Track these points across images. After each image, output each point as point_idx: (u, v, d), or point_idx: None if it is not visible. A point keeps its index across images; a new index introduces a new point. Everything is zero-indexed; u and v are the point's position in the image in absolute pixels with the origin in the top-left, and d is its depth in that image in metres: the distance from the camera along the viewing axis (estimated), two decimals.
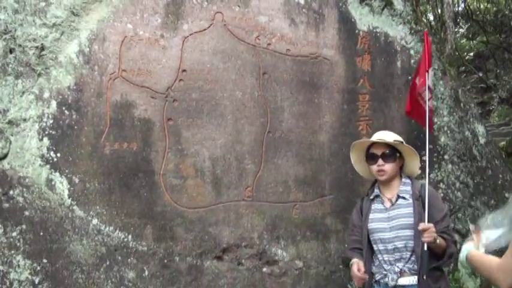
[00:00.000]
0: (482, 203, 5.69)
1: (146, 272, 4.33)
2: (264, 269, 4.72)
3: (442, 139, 5.48)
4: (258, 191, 4.75)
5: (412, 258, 3.62)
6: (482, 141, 5.91)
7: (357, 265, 3.65)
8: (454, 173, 5.53)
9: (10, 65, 4.15)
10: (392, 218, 3.70)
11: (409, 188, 3.79)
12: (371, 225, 3.78)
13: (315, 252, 4.91)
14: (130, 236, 4.33)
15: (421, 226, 3.52)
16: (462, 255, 2.88)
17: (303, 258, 4.85)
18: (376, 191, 3.88)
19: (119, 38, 4.37)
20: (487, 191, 5.77)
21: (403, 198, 3.73)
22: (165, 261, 4.41)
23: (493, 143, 6.36)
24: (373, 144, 3.83)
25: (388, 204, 3.78)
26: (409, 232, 3.62)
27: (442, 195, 5.38)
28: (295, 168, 4.90)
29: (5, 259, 3.95)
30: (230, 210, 4.65)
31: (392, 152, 3.78)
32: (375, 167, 3.78)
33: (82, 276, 4.14)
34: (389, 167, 3.77)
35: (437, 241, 3.49)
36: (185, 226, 4.49)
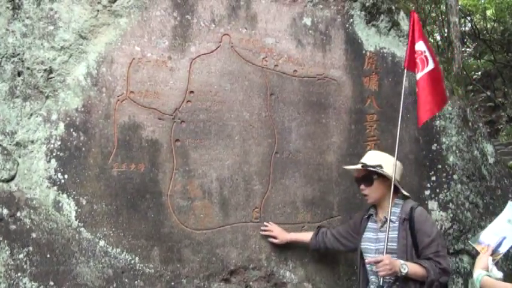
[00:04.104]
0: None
1: None
2: None
3: (451, 159, 5.44)
4: (266, 212, 4.73)
5: (397, 282, 3.54)
6: (491, 160, 5.87)
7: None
8: (464, 193, 5.48)
9: (18, 88, 4.17)
10: (379, 241, 3.65)
11: (398, 209, 3.69)
12: (362, 245, 3.78)
13: (324, 274, 4.85)
14: (137, 258, 4.30)
15: (369, 259, 3.46)
16: (476, 280, 2.86)
17: (311, 280, 4.80)
18: (372, 209, 3.87)
19: (126, 60, 4.39)
20: (497, 211, 5.70)
21: (391, 221, 3.64)
22: (172, 283, 4.37)
23: (502, 162, 6.31)
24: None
25: (379, 224, 3.74)
26: (393, 257, 3.52)
27: (451, 215, 5.33)
28: (303, 189, 4.87)
29: (12, 281, 3.93)
30: (238, 231, 4.63)
31: (367, 175, 3.73)
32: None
33: None
34: (370, 191, 3.72)
35: (404, 271, 3.38)
36: (192, 248, 4.47)
